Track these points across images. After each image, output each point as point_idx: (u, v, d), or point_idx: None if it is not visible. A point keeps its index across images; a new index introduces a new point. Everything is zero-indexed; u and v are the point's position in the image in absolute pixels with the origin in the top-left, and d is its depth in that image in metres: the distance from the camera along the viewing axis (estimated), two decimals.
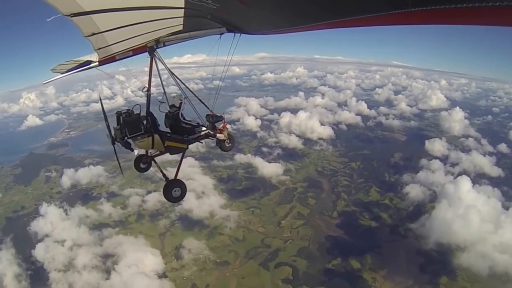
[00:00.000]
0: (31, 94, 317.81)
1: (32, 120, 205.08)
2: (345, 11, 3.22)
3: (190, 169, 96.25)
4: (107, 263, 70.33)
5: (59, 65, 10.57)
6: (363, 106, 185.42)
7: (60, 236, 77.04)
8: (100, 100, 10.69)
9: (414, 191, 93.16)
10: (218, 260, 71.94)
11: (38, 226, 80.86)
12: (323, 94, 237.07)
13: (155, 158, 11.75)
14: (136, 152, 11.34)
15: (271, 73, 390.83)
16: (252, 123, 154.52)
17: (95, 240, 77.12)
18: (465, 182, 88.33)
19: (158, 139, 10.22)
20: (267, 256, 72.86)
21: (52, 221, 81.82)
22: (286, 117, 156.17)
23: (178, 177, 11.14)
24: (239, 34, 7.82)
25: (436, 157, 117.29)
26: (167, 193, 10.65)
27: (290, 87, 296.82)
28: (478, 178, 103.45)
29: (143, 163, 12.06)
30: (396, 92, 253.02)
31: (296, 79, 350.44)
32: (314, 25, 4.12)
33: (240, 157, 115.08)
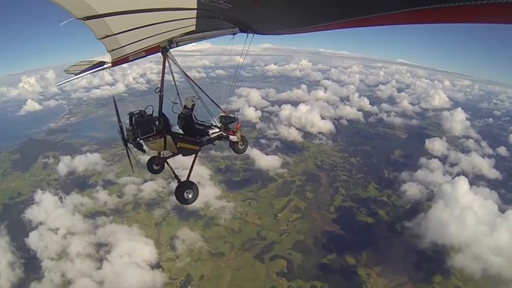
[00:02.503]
0: (30, 78, 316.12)
1: (32, 105, 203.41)
2: (359, 9, 3.12)
3: (186, 158, 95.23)
4: (100, 252, 70.25)
5: (73, 66, 10.57)
6: (365, 102, 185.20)
7: (54, 224, 76.68)
8: (114, 102, 10.38)
9: (412, 189, 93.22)
10: (213, 251, 71.93)
11: (32, 213, 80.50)
12: (326, 88, 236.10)
13: (168, 160, 11.63)
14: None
15: (274, 64, 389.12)
16: (252, 114, 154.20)
17: (89, 229, 76.87)
18: (462, 183, 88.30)
19: (170, 140, 10.13)
20: (262, 248, 72.84)
21: (47, 208, 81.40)
22: (286, 110, 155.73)
23: (190, 179, 10.98)
24: (252, 34, 7.74)
25: (435, 157, 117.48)
26: (179, 195, 10.51)
27: (293, 80, 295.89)
28: (476, 179, 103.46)
29: (156, 165, 11.91)
30: (399, 90, 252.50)
31: (300, 71, 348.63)
32: (327, 24, 4.04)
33: None
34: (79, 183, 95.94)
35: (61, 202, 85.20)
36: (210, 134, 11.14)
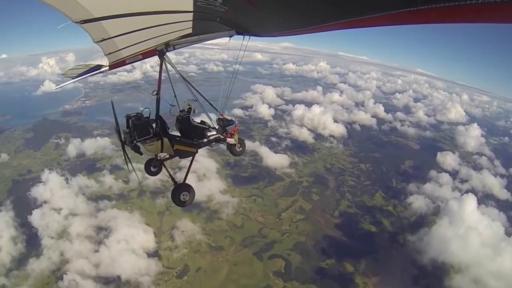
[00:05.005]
0: (50, 59, 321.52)
1: (49, 86, 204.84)
2: (355, 10, 3.08)
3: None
4: (100, 235, 71.29)
5: (70, 69, 10.69)
6: (380, 109, 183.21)
7: (58, 204, 77.91)
8: (112, 105, 10.36)
9: (418, 202, 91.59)
10: (213, 244, 72.31)
11: (38, 192, 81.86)
12: (341, 92, 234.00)
13: (165, 162, 11.71)
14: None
15: (293, 64, 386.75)
16: (265, 111, 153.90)
17: (91, 211, 77.94)
18: (470, 201, 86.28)
19: (167, 143, 10.18)
20: (262, 246, 72.86)
21: (52, 188, 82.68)
22: (299, 110, 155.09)
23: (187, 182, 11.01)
24: (248, 36, 7.85)
25: (446, 171, 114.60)
26: (175, 197, 10.56)
27: (310, 81, 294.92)
28: (485, 198, 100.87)
29: (153, 167, 11.91)
30: (416, 100, 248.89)
31: (317, 73, 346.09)
32: (324, 25, 4.01)
33: (247, 144, 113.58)
34: (88, 165, 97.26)
35: (67, 183, 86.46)
36: (207, 136, 11.18)
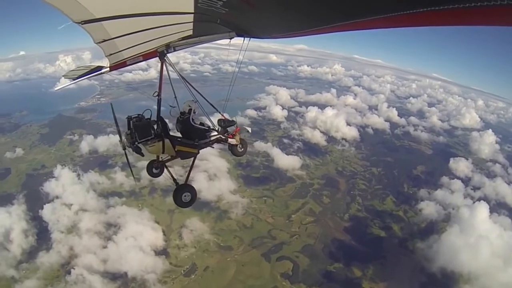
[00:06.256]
0: (67, 57, 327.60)
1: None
2: (356, 12, 3.07)
3: (206, 149, 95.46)
4: (109, 232, 72.40)
5: (71, 71, 10.77)
6: (393, 113, 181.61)
7: (69, 200, 79.22)
8: (112, 107, 10.80)
9: (429, 208, 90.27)
10: (222, 244, 72.71)
11: (50, 187, 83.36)
12: (355, 95, 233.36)
13: (167, 163, 11.71)
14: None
15: (307, 66, 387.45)
16: (278, 112, 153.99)
17: (101, 208, 79.15)
18: (482, 209, 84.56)
19: (168, 144, 10.19)
20: (271, 247, 73.02)
21: (64, 183, 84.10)
22: (313, 112, 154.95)
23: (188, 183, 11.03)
24: (249, 38, 7.87)
25: (458, 177, 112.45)
26: (176, 198, 10.55)
27: (324, 83, 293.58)
28: (497, 207, 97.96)
29: (155, 168, 11.94)
30: (430, 105, 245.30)
31: (332, 76, 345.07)
32: (324, 27, 3.99)
33: (260, 145, 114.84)
34: (100, 162, 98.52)
35: (79, 179, 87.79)
36: (208, 137, 11.25)
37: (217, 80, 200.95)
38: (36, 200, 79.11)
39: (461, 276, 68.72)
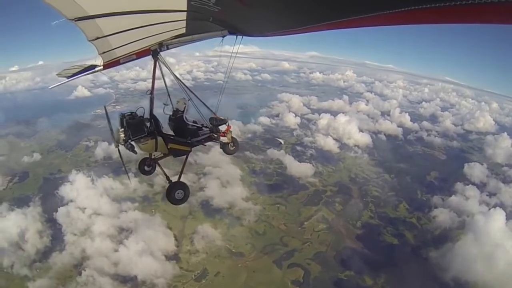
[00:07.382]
0: None
1: (81, 91, 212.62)
2: (349, 9, 3.09)
3: (220, 157, 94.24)
4: (121, 236, 73.48)
5: (65, 70, 10.74)
6: (406, 118, 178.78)
7: (83, 204, 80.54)
8: (105, 108, 11.19)
9: (442, 216, 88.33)
10: (233, 250, 72.98)
11: (65, 191, 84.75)
12: (367, 101, 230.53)
13: (159, 161, 12.20)
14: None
15: (320, 72, 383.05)
16: (291, 120, 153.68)
17: (114, 212, 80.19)
18: (498, 217, 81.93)
19: (161, 142, 10.56)
20: (282, 254, 72.92)
21: (78, 188, 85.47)
22: (325, 119, 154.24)
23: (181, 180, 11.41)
24: (241, 36, 7.99)
25: (473, 183, 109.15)
26: (170, 195, 10.91)
27: (336, 89, 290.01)
28: None
29: (147, 166, 12.50)
30: (443, 109, 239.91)
31: (344, 82, 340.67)
32: (317, 25, 4.00)
33: (272, 152, 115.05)
34: (114, 168, 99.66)
35: (93, 184, 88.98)
36: (201, 135, 11.59)
37: (232, 88, 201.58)
38: (51, 203, 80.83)
39: (475, 286, 67.00)
